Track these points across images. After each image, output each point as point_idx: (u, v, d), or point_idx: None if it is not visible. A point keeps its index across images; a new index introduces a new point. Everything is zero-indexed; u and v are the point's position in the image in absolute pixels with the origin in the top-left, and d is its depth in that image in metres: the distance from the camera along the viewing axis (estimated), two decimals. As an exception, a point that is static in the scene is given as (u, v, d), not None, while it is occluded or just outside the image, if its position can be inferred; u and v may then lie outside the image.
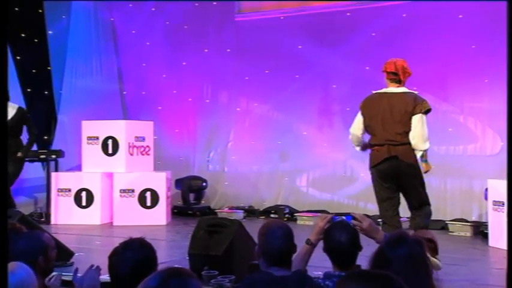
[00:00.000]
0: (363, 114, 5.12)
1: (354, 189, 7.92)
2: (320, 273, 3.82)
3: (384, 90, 5.19)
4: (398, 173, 4.88)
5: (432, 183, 7.40)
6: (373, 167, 4.99)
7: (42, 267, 2.79)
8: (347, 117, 8.10)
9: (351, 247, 2.69)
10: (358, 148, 5.26)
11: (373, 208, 7.71)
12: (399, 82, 5.14)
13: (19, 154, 6.63)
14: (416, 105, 4.96)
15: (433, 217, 7.24)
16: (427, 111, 4.99)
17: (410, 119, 4.89)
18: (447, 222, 7.09)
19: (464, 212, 7.18)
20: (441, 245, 5.98)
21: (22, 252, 2.71)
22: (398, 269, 2.02)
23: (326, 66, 8.11)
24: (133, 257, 2.35)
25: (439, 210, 7.30)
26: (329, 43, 7.96)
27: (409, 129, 4.89)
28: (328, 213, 7.71)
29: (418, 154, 4.92)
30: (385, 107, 5.02)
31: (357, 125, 5.12)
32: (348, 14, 7.98)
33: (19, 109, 6.75)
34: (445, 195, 7.34)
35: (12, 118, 6.50)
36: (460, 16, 7.30)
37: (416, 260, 2.11)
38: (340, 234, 2.70)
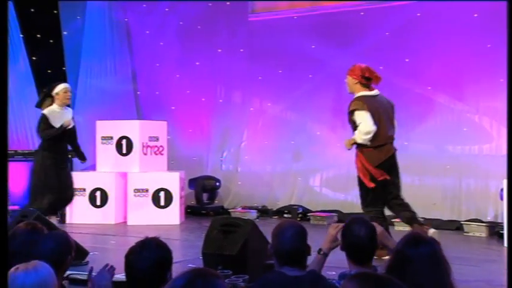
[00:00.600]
0: (371, 114, 5.36)
1: (367, 189, 7.88)
2: (334, 273, 3.83)
3: (374, 92, 5.58)
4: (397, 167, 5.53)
5: (447, 183, 7.37)
6: (382, 162, 5.40)
7: (67, 266, 2.84)
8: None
9: (370, 242, 2.68)
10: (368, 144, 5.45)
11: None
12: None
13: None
14: None
15: (448, 217, 7.24)
16: None
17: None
18: (462, 222, 7.04)
19: (480, 213, 7.13)
20: (456, 245, 5.96)
21: (52, 251, 2.76)
22: (419, 268, 2.03)
23: (339, 65, 8.06)
24: (150, 256, 2.36)
25: (454, 211, 7.26)
26: (342, 43, 7.94)
27: None
28: (342, 213, 7.70)
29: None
30: (385, 107, 5.55)
31: (372, 122, 5.40)
32: (362, 13, 7.95)
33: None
34: (460, 195, 7.29)
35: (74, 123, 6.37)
36: (475, 15, 7.24)
37: (436, 259, 2.12)
38: (359, 228, 2.69)
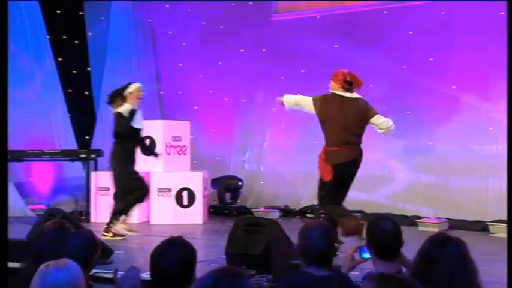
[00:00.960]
0: (318, 111, 5.72)
1: (391, 189, 7.84)
2: (357, 273, 3.81)
3: (352, 95, 5.65)
4: None
5: (473, 184, 7.27)
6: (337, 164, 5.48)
7: (93, 265, 2.88)
8: (384, 116, 8.04)
9: (396, 237, 2.71)
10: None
11: (411, 208, 7.64)
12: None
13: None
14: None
15: (473, 218, 7.14)
16: None
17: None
18: (488, 223, 6.95)
19: (506, 213, 7.01)
20: (481, 246, 5.88)
21: (79, 250, 2.80)
22: (445, 269, 2.01)
23: (363, 65, 8.01)
24: (175, 256, 2.38)
25: (479, 211, 7.17)
26: (365, 42, 7.90)
27: None
28: (365, 213, 7.64)
29: None
30: (346, 112, 5.56)
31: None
32: (385, 12, 7.89)
33: None
34: (486, 195, 7.19)
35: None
36: (502, 13, 7.13)
37: (463, 259, 2.10)
38: (386, 223, 2.73)
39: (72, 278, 2.18)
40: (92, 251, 2.90)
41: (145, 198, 6.68)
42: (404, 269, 2.75)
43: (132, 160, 6.35)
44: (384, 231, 2.70)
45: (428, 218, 7.22)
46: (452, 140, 7.46)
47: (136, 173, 6.46)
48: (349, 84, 5.57)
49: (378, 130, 5.60)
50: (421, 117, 7.66)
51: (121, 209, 6.44)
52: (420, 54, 7.60)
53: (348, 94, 5.53)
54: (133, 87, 6.31)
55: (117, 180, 6.36)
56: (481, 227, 6.94)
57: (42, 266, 2.21)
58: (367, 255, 2.85)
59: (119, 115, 6.26)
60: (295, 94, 5.91)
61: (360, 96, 5.58)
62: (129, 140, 6.30)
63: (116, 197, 6.48)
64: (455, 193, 7.33)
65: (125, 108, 6.25)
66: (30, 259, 3.04)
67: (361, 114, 5.45)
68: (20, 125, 8.54)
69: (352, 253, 2.91)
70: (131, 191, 6.38)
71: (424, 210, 7.50)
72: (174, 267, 2.35)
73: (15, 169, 8.26)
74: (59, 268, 2.18)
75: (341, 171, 5.36)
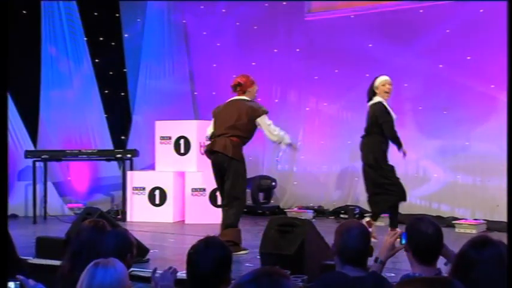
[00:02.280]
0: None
1: (426, 190, 7.73)
2: (393, 274, 3.78)
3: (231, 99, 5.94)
4: None
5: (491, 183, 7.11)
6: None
7: (129, 264, 2.92)
8: (419, 116, 7.95)
9: (437, 240, 2.63)
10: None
11: (446, 209, 7.52)
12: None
13: None
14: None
15: (498, 218, 6.97)
16: None
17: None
18: None
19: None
20: None
21: (113, 249, 2.84)
22: (485, 271, 1.98)
23: (397, 64, 7.95)
24: (214, 255, 2.40)
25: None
26: (400, 41, 7.81)
27: None
28: (400, 214, 7.55)
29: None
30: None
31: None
32: (421, 11, 7.79)
33: None
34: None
35: None
36: (541, 10, 6.97)
37: (502, 261, 2.06)
38: (427, 227, 2.64)
39: (121, 279, 2.21)
40: (126, 250, 2.94)
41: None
42: (444, 268, 2.70)
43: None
44: (425, 235, 2.62)
45: (465, 219, 7.10)
46: (489, 139, 7.31)
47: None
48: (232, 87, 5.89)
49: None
50: (457, 117, 7.54)
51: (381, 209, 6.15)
52: (457, 53, 7.49)
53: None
54: (379, 81, 6.22)
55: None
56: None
57: (91, 264, 2.25)
58: None
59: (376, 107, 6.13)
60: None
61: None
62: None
63: (377, 193, 6.17)
64: (492, 194, 7.19)
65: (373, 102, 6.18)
66: (69, 257, 3.10)
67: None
68: (59, 126, 8.74)
69: (393, 241, 2.86)
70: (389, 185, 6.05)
71: (461, 211, 7.38)
72: (211, 266, 2.37)
73: (53, 169, 8.46)
74: (108, 268, 2.22)
75: None
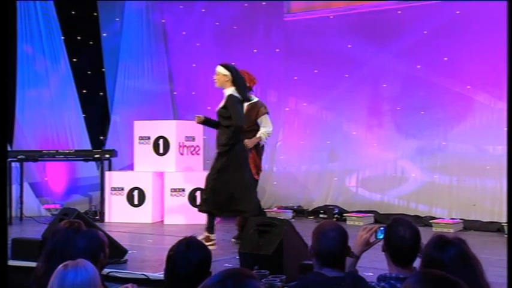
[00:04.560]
0: None
1: (404, 190, 7.80)
2: (371, 274, 3.80)
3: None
4: None
5: (487, 184, 7.22)
6: None
7: (102, 264, 2.88)
8: (397, 116, 8.02)
9: (414, 244, 2.63)
10: None
11: (424, 209, 7.60)
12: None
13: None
14: None
15: (488, 219, 7.08)
16: None
17: None
18: (503, 224, 6.89)
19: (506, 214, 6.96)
20: (496, 247, 5.82)
21: (84, 249, 2.80)
22: (454, 270, 2.00)
23: (376, 65, 8.02)
24: (194, 257, 2.38)
25: (494, 212, 7.11)
26: (379, 42, 7.87)
27: None
28: (378, 213, 7.62)
29: None
30: None
31: None
32: (399, 12, 7.86)
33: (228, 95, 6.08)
34: (501, 196, 7.13)
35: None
36: (517, 12, 7.07)
37: (466, 259, 2.09)
38: (404, 230, 2.64)
39: (92, 279, 2.19)
40: (99, 250, 2.89)
41: None
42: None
43: None
44: (402, 239, 2.61)
45: (442, 218, 7.18)
46: (466, 140, 7.41)
47: None
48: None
49: None
50: (434, 117, 7.62)
51: None
52: (434, 54, 7.56)
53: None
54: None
55: None
56: (496, 227, 6.88)
57: (60, 266, 2.23)
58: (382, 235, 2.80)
59: None
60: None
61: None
62: None
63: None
64: (469, 194, 7.28)
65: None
66: (43, 258, 3.06)
67: None
68: (35, 126, 8.62)
69: (369, 237, 2.86)
70: None
71: (438, 211, 7.46)
72: (192, 268, 2.35)
73: (30, 169, 8.35)
74: (78, 269, 2.19)
75: None
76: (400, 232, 2.64)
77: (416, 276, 1.66)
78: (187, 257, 2.38)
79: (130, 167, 8.24)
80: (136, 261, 5.04)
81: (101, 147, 8.76)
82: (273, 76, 8.89)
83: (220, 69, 5.86)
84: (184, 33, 9.46)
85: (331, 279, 2.47)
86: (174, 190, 7.66)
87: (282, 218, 5.82)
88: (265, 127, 6.42)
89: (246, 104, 6.04)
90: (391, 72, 7.95)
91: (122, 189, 7.78)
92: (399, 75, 7.89)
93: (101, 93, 9.26)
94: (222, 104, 5.83)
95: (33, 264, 3.33)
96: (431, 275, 1.66)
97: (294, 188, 8.56)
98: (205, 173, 7.99)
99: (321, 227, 2.68)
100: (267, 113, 6.46)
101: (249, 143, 6.18)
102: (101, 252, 2.89)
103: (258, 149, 6.46)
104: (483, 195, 7.21)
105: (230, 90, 5.78)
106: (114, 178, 7.85)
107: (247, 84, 6.12)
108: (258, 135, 6.37)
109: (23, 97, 8.54)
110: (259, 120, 6.42)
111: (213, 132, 9.16)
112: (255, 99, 6.53)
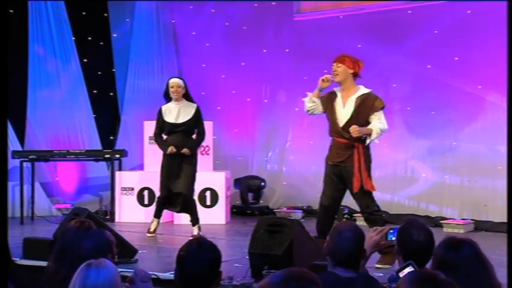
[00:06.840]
0: None
1: (414, 190, 7.77)
2: (382, 274, 3.79)
3: None
4: None
5: (499, 185, 7.17)
6: None
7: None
8: (408, 116, 7.98)
9: (428, 246, 2.60)
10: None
11: (434, 209, 7.56)
12: None
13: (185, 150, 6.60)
14: None
15: (499, 219, 7.03)
16: None
17: None
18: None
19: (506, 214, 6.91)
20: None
21: (92, 249, 2.81)
22: (468, 270, 1.99)
23: (386, 65, 7.98)
24: (206, 258, 2.38)
25: (505, 212, 7.06)
26: (389, 42, 7.84)
27: None
28: (388, 214, 7.59)
29: None
30: None
31: None
32: (410, 11, 7.83)
33: (197, 108, 6.86)
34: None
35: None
36: (529, 11, 7.03)
37: (481, 258, 2.09)
38: (418, 233, 2.61)
39: (114, 279, 2.20)
40: (107, 250, 2.90)
41: None
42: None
43: None
44: (416, 242, 2.59)
45: (453, 219, 7.14)
46: (477, 140, 7.37)
47: None
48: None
49: None
50: (445, 117, 7.58)
51: None
52: (445, 54, 7.53)
53: None
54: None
55: None
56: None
57: (83, 265, 2.23)
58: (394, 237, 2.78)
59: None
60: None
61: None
62: None
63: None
64: (480, 194, 7.24)
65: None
66: (53, 258, 3.07)
67: None
68: (46, 126, 8.68)
69: (379, 238, 2.85)
70: None
71: (449, 211, 7.42)
72: (203, 269, 2.35)
73: (41, 169, 8.40)
74: (100, 268, 2.20)
75: None
76: (414, 235, 2.61)
77: (409, 276, 1.66)
78: (199, 257, 2.39)
79: (141, 167, 8.27)
80: (146, 261, 5.06)
81: (111, 147, 8.80)
82: (283, 76, 8.89)
83: None
84: (194, 33, 9.48)
85: (344, 280, 2.46)
86: (184, 190, 7.65)
87: (291, 218, 5.82)
88: (381, 123, 5.38)
89: (354, 97, 5.33)
90: (401, 72, 7.91)
91: (132, 189, 7.81)
92: (410, 75, 7.86)
93: (111, 94, 9.29)
94: None
95: (44, 263, 3.34)
96: (423, 275, 1.66)
97: (304, 188, 8.55)
98: (215, 173, 8.05)
99: (338, 227, 2.69)
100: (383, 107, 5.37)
101: (358, 131, 5.24)
102: (108, 253, 2.90)
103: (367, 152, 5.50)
104: (494, 195, 7.16)
105: None
106: (125, 178, 7.88)
107: (351, 71, 5.46)
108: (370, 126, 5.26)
109: (34, 97, 8.60)
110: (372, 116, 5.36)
111: (223, 132, 9.22)
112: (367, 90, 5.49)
